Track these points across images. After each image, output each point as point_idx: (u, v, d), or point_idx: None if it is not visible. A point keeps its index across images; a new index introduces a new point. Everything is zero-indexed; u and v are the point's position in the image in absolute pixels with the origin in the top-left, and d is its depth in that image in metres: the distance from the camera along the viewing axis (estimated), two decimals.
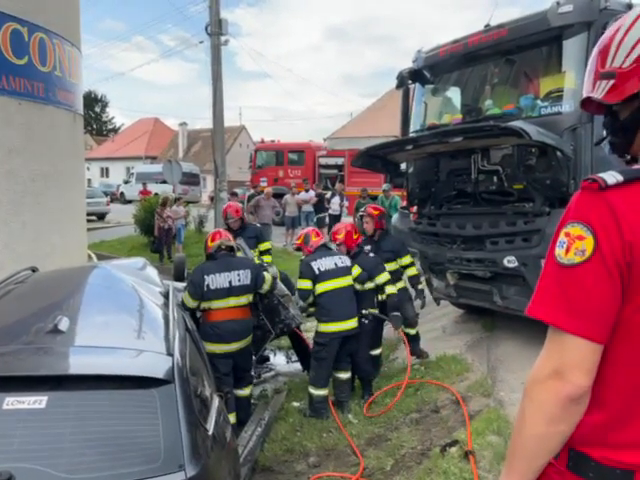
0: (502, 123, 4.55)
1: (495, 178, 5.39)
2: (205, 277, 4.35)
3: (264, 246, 6.19)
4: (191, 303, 4.33)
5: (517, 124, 4.42)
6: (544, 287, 1.11)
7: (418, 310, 6.18)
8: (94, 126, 60.53)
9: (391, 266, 5.51)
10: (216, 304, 4.35)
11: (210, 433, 2.58)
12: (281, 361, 6.47)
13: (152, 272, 4.15)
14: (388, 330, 6.70)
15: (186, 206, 14.88)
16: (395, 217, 6.69)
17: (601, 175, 1.10)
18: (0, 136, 5.00)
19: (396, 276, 5.53)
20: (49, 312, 2.79)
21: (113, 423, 2.24)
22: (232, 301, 4.39)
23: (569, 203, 1.14)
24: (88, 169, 45.31)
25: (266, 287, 4.65)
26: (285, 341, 6.54)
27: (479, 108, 5.71)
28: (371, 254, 5.35)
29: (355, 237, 5.28)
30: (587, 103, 1.29)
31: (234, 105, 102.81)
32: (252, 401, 5.22)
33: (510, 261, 5.10)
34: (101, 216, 22.00)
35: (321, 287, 4.73)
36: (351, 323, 4.75)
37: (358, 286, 4.99)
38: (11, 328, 2.79)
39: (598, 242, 1.04)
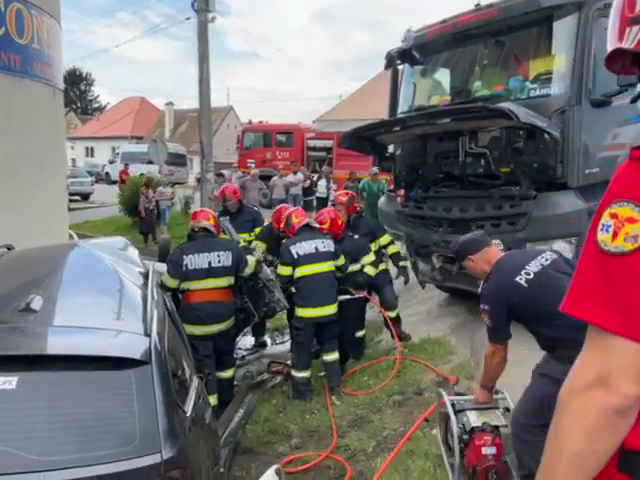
0: (490, 105, 4.50)
1: (482, 161, 5.35)
2: (184, 257, 4.28)
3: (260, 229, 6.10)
4: (170, 283, 4.26)
5: (505, 106, 4.37)
6: (585, 280, 0.94)
7: (402, 286, 6.23)
8: (79, 104, 59.33)
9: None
10: (195, 285, 4.29)
11: (188, 415, 2.53)
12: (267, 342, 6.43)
13: (132, 252, 4.06)
14: (372, 313, 6.71)
15: (172, 187, 14.70)
16: (382, 200, 6.64)
17: None
18: None
19: (377, 257, 5.55)
20: (22, 291, 2.70)
21: (87, 404, 2.18)
22: (211, 282, 4.32)
23: (613, 177, 0.96)
24: (72, 148, 44.53)
25: (248, 271, 4.59)
26: (271, 323, 6.51)
27: (468, 90, 5.64)
28: (356, 236, 5.33)
29: (340, 223, 5.25)
30: (612, 61, 1.07)
31: (222, 86, 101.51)
32: (235, 383, 5.20)
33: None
34: (85, 196, 21.70)
35: (299, 271, 4.68)
36: (329, 309, 4.69)
37: (339, 274, 4.95)
38: None
39: None
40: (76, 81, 59.93)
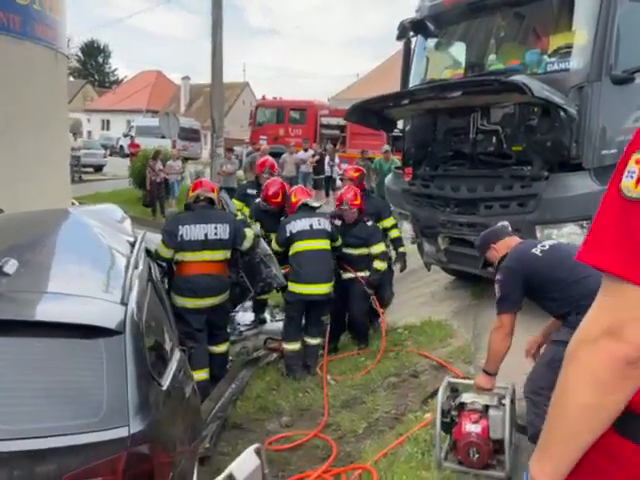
0: (503, 78, 4.25)
1: (494, 139, 5.11)
2: (180, 227, 4.16)
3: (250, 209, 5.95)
4: (165, 253, 4.15)
5: (519, 78, 4.13)
6: (603, 227, 0.90)
7: (397, 274, 6.12)
8: (96, 77, 59.25)
9: None
10: (189, 256, 4.17)
11: (164, 388, 2.43)
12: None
13: (124, 220, 3.95)
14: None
15: (184, 162, 14.60)
16: (389, 177, 6.45)
17: None
18: None
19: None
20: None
21: (55, 373, 2.09)
22: (207, 255, 4.21)
23: None
24: (89, 121, 44.65)
25: (246, 244, 4.47)
26: (271, 299, 6.41)
27: (482, 64, 5.38)
28: (369, 222, 5.25)
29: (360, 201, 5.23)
30: None
31: (238, 62, 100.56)
32: (231, 358, 5.12)
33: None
34: (98, 168, 21.73)
35: (293, 248, 4.67)
36: (320, 288, 4.62)
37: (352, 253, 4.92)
38: None
39: None
40: (94, 53, 59.76)
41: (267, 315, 6.21)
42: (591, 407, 0.88)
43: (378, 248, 5.12)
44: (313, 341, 4.82)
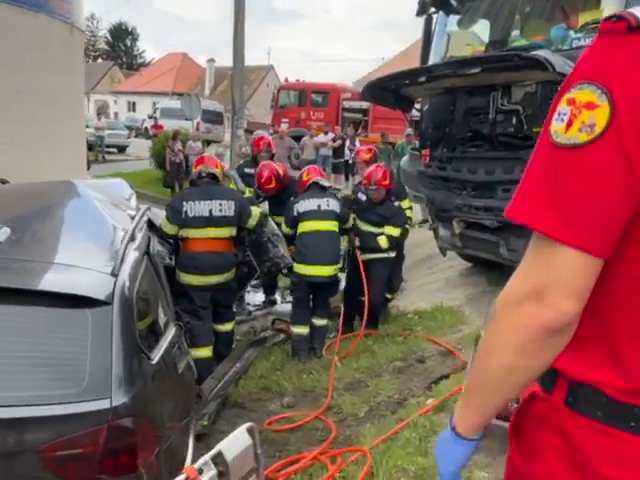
0: (523, 52, 4.04)
1: (514, 119, 4.90)
2: (184, 203, 4.10)
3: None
4: (169, 228, 4.10)
5: (541, 53, 3.91)
6: (531, 178, 0.81)
7: (425, 254, 5.98)
8: (124, 59, 59.70)
9: None
10: (194, 233, 4.11)
11: (154, 362, 2.37)
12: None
13: (128, 194, 3.91)
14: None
15: (207, 145, 14.59)
16: (404, 159, 6.29)
17: (631, 11, 0.75)
18: None
19: None
20: None
21: (38, 342, 2.05)
22: (212, 232, 4.13)
23: (578, 58, 0.80)
24: (115, 102, 45.11)
25: (252, 222, 4.38)
26: (283, 282, 6.34)
27: (505, 41, 5.15)
28: (395, 202, 5.16)
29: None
30: None
31: (263, 45, 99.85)
32: (238, 338, 5.09)
33: None
34: (121, 149, 21.91)
35: (300, 228, 4.61)
36: (324, 270, 4.54)
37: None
38: None
39: (616, 112, 0.72)
40: (122, 35, 60.21)
41: (277, 297, 6.14)
42: (508, 368, 0.85)
43: (393, 230, 5.00)
44: (320, 322, 4.75)
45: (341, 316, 5.00)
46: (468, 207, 5.21)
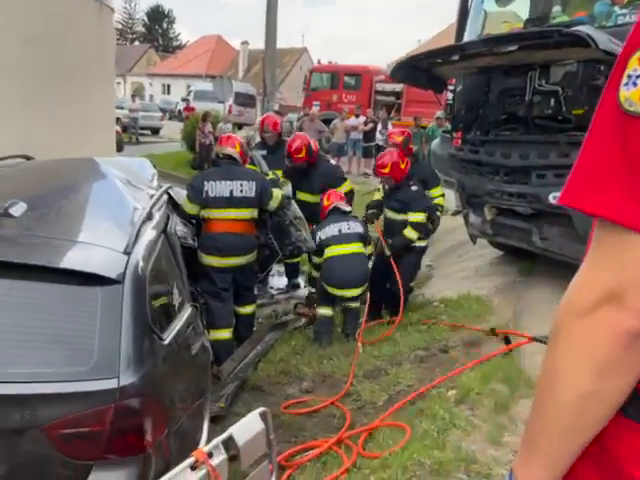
0: (565, 29, 3.80)
1: (552, 101, 4.65)
2: (205, 182, 4.05)
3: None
4: (189, 208, 4.06)
5: (583, 29, 3.67)
6: (595, 159, 0.67)
7: (455, 242, 5.78)
8: (160, 42, 60.23)
9: None
10: (215, 214, 4.06)
11: (166, 343, 2.33)
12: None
13: (150, 174, 3.88)
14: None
15: (239, 128, 14.56)
16: (435, 141, 6.08)
17: None
18: (11, 21, 4.72)
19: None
20: (12, 197, 2.55)
21: (45, 318, 2.02)
22: (232, 213, 4.08)
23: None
24: (151, 85, 45.61)
25: (273, 204, 4.30)
26: (305, 266, 6.27)
27: (545, 16, 4.87)
28: (414, 187, 5.02)
29: (403, 166, 4.96)
30: None
31: (298, 28, 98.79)
32: (260, 320, 5.05)
33: (556, 198, 4.47)
34: (155, 131, 22.13)
35: (325, 253, 4.58)
36: (352, 292, 4.55)
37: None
38: None
39: None
40: (158, 18, 60.68)
41: (300, 280, 6.07)
42: (590, 396, 0.68)
43: (415, 216, 4.88)
44: (353, 304, 4.67)
45: (367, 303, 4.96)
46: (500, 193, 5.01)
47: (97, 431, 1.91)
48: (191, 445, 2.46)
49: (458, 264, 6.94)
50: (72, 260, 2.19)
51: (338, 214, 4.73)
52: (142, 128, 20.30)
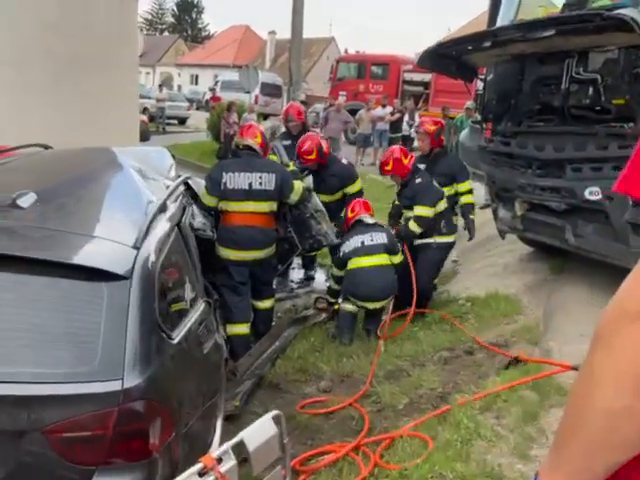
0: (606, 12, 3.54)
1: (591, 90, 4.39)
2: (223, 174, 3.93)
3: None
4: (208, 200, 3.96)
5: (627, 12, 3.42)
6: None
7: (480, 237, 5.58)
8: (189, 32, 60.53)
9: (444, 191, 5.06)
10: (233, 206, 3.95)
11: (175, 342, 2.23)
12: (320, 279, 6.08)
13: (168, 164, 3.78)
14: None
15: (265, 119, 14.45)
16: (464, 133, 5.85)
17: None
18: (35, 10, 4.69)
19: (451, 202, 5.11)
20: (24, 187, 2.47)
21: (47, 315, 1.92)
22: (251, 205, 3.96)
23: None
24: (179, 75, 45.92)
25: (294, 197, 4.17)
26: (325, 259, 6.14)
27: (584, 1, 4.58)
28: (418, 180, 4.85)
29: (406, 162, 4.82)
30: None
31: (325, 17, 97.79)
32: (279, 315, 4.95)
33: (593, 193, 4.24)
34: (182, 120, 22.23)
35: (348, 265, 4.46)
36: (375, 304, 4.43)
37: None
38: None
39: None
40: (187, 8, 60.96)
41: (317, 273, 5.91)
42: (624, 411, 0.62)
43: (419, 210, 4.75)
44: (375, 305, 4.50)
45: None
46: (532, 187, 4.79)
47: (99, 435, 1.82)
48: (202, 448, 2.36)
49: (486, 260, 6.71)
50: (77, 254, 2.10)
51: (362, 226, 4.59)
52: (169, 118, 20.40)
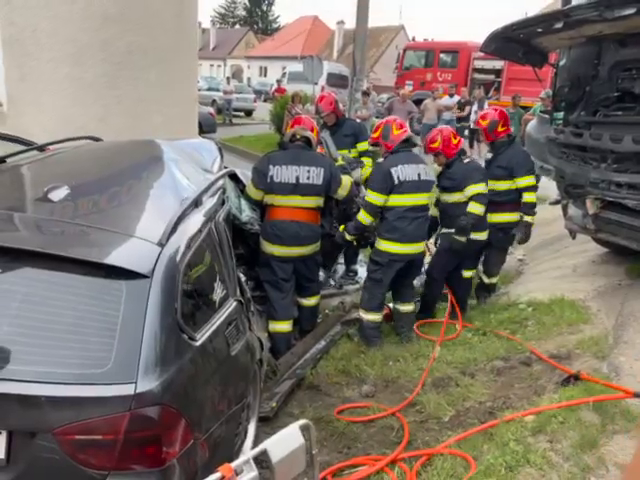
0: None
1: None
2: (271, 167, 3.80)
3: (362, 146, 5.33)
4: (254, 193, 3.86)
5: None
6: None
7: (550, 235, 5.17)
8: (260, 25, 61.40)
9: (501, 185, 4.69)
10: (279, 200, 3.82)
11: (198, 344, 2.14)
12: (364, 274, 5.84)
13: (213, 157, 3.71)
14: (509, 259, 5.72)
15: None
16: (531, 123, 5.42)
17: None
18: (93, 3, 4.77)
19: (506, 197, 4.73)
20: (62, 180, 2.46)
21: (62, 313, 1.88)
22: (297, 200, 3.81)
23: None
24: (248, 67, 46.70)
25: (342, 193, 3.99)
26: (365, 252, 5.89)
27: None
28: (466, 160, 4.52)
29: (455, 142, 4.47)
30: None
31: (395, 4, 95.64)
32: (327, 312, 4.81)
33: None
34: (248, 112, 22.54)
35: (395, 200, 3.92)
36: (418, 247, 4.05)
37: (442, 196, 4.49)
38: (11, 191, 2.57)
39: None
40: (259, 1, 61.82)
41: (359, 267, 5.68)
42: None
43: (474, 188, 4.26)
44: (407, 307, 4.26)
45: (448, 301, 4.60)
46: (607, 183, 4.34)
47: (111, 440, 1.77)
48: (226, 454, 2.27)
49: (553, 261, 6.23)
50: (98, 251, 2.03)
51: (410, 146, 4.10)
52: (235, 110, 20.72)
